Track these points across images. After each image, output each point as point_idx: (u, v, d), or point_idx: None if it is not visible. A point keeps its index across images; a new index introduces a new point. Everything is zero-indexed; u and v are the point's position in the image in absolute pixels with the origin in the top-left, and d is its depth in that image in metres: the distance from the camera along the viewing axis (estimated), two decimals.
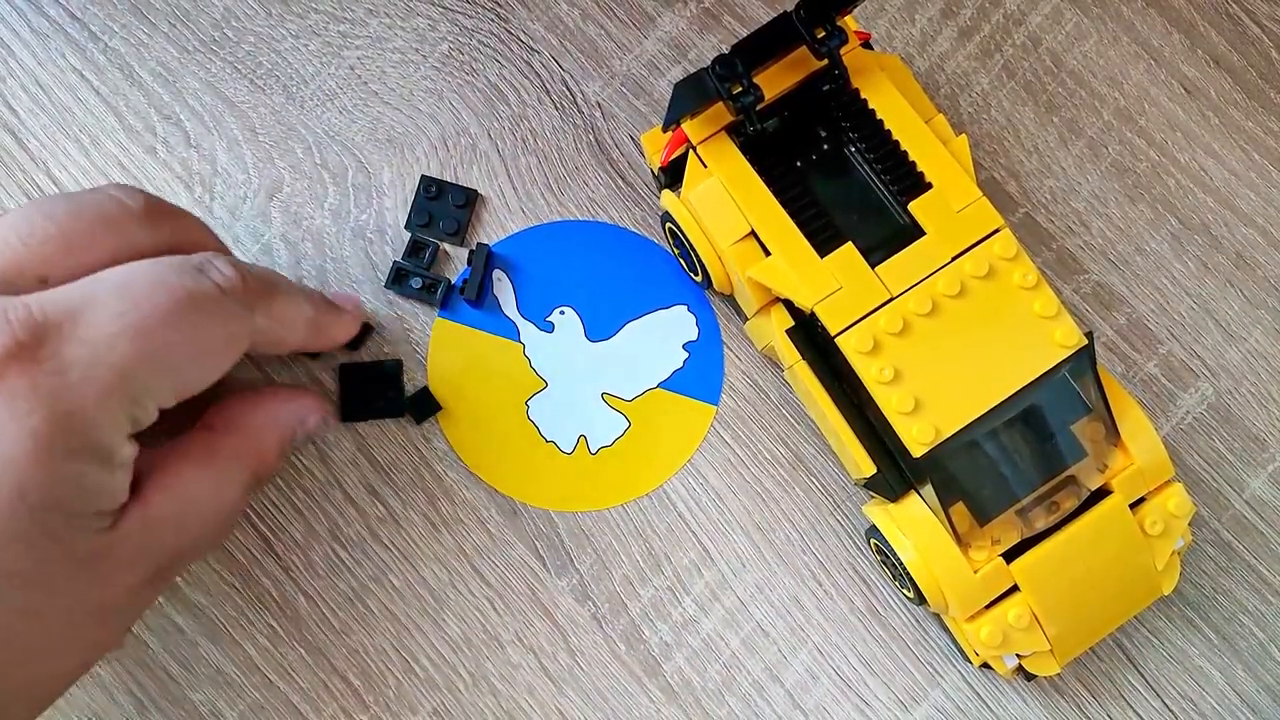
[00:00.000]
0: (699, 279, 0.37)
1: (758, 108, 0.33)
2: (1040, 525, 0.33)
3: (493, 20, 0.40)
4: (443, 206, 0.39)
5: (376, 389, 0.37)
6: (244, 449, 0.33)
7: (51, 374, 0.27)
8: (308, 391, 0.36)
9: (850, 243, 0.33)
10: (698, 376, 0.38)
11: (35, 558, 0.27)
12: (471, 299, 0.38)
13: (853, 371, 0.32)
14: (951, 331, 0.32)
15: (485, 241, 0.38)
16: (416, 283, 0.38)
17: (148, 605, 0.32)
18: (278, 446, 0.34)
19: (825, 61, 0.34)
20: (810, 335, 0.34)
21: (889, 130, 0.34)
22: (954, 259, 0.32)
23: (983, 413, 0.31)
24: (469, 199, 0.39)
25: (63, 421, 0.27)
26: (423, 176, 0.39)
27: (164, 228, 0.32)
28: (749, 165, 0.34)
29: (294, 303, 0.33)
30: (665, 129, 0.35)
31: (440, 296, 0.38)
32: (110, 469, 0.28)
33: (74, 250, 0.29)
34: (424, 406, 0.37)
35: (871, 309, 0.32)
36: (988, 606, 0.33)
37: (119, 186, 0.31)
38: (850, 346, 0.32)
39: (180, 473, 0.31)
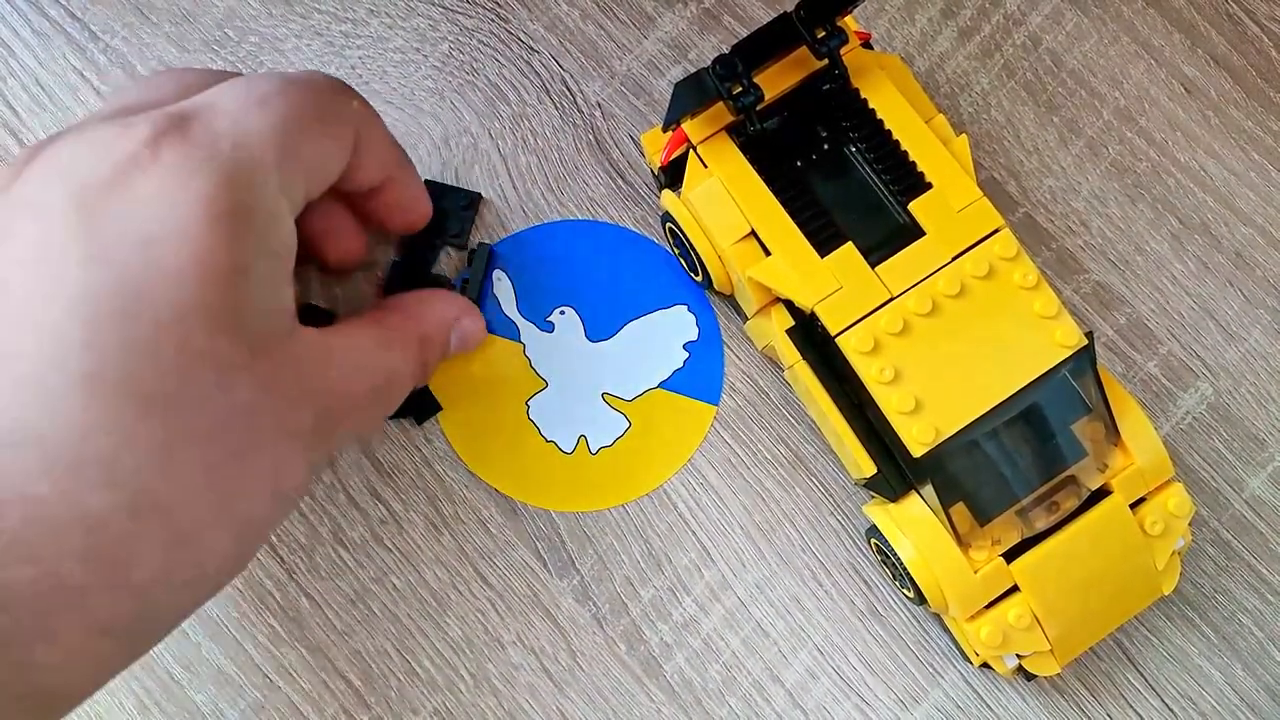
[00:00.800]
0: (699, 279, 0.37)
1: (758, 108, 0.33)
2: (1040, 525, 0.33)
3: (493, 20, 0.40)
4: (446, 209, 0.39)
5: None
6: (412, 328, 0.33)
7: (204, 144, 0.27)
8: (466, 299, 0.37)
9: (850, 243, 0.33)
10: (698, 376, 0.38)
11: (220, 340, 0.26)
12: (473, 299, 0.38)
13: (853, 371, 0.32)
14: (952, 331, 0.32)
15: (486, 241, 0.38)
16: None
17: (322, 459, 0.31)
18: (443, 333, 0.35)
19: (825, 61, 0.34)
20: (810, 335, 0.34)
21: (889, 130, 0.34)
22: (954, 259, 0.33)
23: (983, 413, 0.31)
24: (472, 201, 0.39)
25: (228, 183, 0.27)
26: (425, 180, 0.39)
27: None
28: (749, 165, 0.34)
29: (389, 144, 0.34)
30: (665, 129, 0.35)
31: None
32: (280, 250, 0.28)
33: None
34: (424, 407, 0.37)
35: (872, 309, 0.32)
36: (988, 606, 0.33)
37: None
38: (850, 346, 0.32)
39: (351, 331, 0.31)
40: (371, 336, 0.32)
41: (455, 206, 0.39)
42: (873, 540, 0.36)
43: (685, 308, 0.39)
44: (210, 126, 0.27)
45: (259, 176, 0.28)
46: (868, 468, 0.34)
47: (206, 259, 0.26)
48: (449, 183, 0.39)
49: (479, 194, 0.39)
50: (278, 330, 0.28)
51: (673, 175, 0.37)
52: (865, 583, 0.37)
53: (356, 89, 0.39)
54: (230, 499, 0.27)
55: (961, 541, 0.33)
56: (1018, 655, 0.34)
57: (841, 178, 0.35)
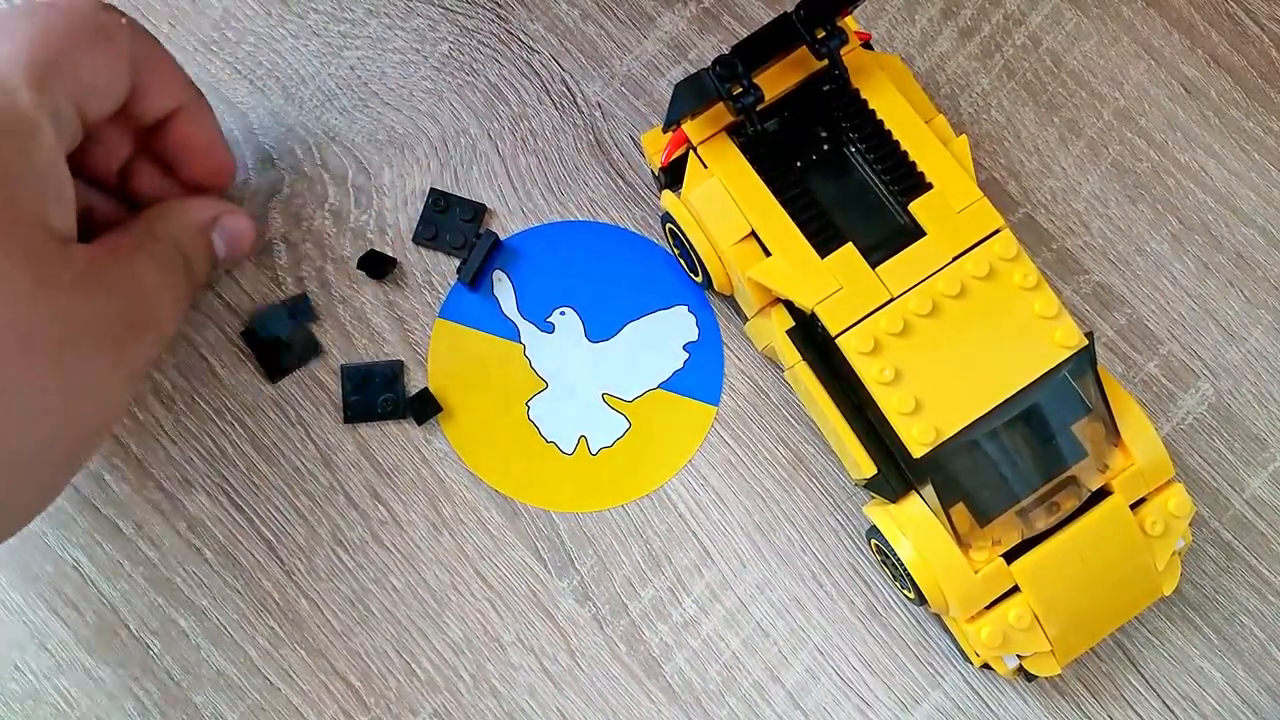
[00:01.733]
0: (699, 279, 0.37)
1: (758, 108, 0.33)
2: (1041, 526, 0.33)
3: (493, 20, 0.40)
4: (450, 220, 0.39)
5: (378, 391, 0.37)
6: (162, 232, 0.33)
7: None
8: (221, 201, 0.36)
9: (850, 243, 0.33)
10: (698, 377, 0.38)
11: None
12: (467, 282, 0.38)
13: (853, 372, 0.32)
14: (952, 332, 0.32)
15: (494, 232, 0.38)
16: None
17: (132, 373, 0.32)
18: (197, 239, 0.34)
19: (825, 62, 0.34)
20: (810, 336, 0.34)
21: (889, 130, 0.34)
22: (954, 259, 0.33)
23: (983, 413, 0.31)
24: (476, 213, 0.39)
25: None
26: (431, 189, 0.39)
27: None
28: (749, 166, 0.34)
29: (171, 69, 0.34)
30: (665, 129, 0.35)
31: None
32: (42, 165, 0.29)
33: None
34: (424, 407, 0.37)
35: (872, 309, 0.32)
36: (988, 607, 0.33)
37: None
38: (851, 347, 0.32)
39: (117, 244, 0.32)
40: (126, 238, 0.32)
41: (459, 218, 0.39)
42: (873, 541, 0.36)
43: (685, 308, 0.39)
44: None
45: (7, 95, 0.29)
46: (868, 468, 0.34)
47: None
48: (450, 188, 0.39)
49: (484, 205, 0.39)
50: (59, 238, 0.29)
51: (673, 176, 0.37)
52: (865, 583, 0.37)
53: (356, 90, 0.40)
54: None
55: (962, 542, 0.33)
56: (1018, 656, 0.34)
57: (841, 178, 0.35)
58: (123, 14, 0.33)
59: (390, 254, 0.39)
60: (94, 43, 0.31)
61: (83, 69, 0.31)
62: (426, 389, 0.37)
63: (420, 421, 0.37)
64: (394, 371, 0.38)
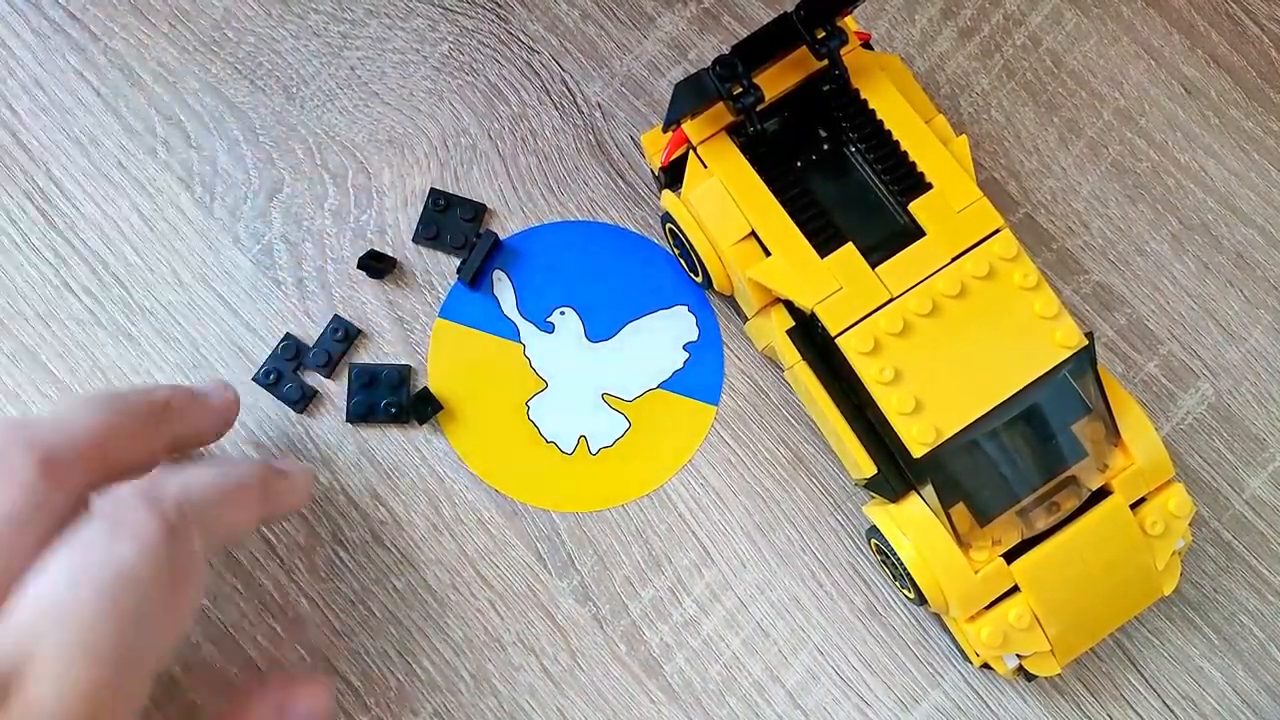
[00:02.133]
0: (699, 279, 0.37)
1: (758, 108, 0.33)
2: (1041, 525, 0.33)
3: (493, 20, 0.40)
4: (450, 220, 0.39)
5: (383, 393, 0.37)
6: None
7: None
8: (309, 679, 0.33)
9: (850, 243, 0.33)
10: (698, 376, 0.38)
11: None
12: (467, 281, 0.38)
13: (853, 372, 0.32)
14: (952, 332, 0.32)
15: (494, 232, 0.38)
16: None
17: None
18: None
19: (825, 62, 0.34)
20: (810, 335, 0.34)
21: (889, 130, 0.34)
22: (954, 259, 0.33)
23: (983, 413, 0.31)
24: (477, 213, 0.39)
25: None
26: (431, 189, 0.39)
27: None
28: (749, 165, 0.34)
29: (234, 503, 0.31)
30: (665, 129, 0.35)
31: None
32: (194, 607, 0.28)
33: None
34: (425, 406, 0.37)
35: (872, 309, 0.32)
36: (988, 607, 0.33)
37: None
38: (851, 347, 0.32)
39: None
40: None
41: (459, 218, 0.39)
42: (873, 540, 0.36)
43: (685, 308, 0.39)
44: (27, 700, 0.25)
45: (187, 541, 0.28)
46: (868, 468, 0.34)
47: None
48: (450, 188, 0.39)
49: (484, 205, 0.39)
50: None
51: (673, 175, 0.37)
52: (865, 583, 0.37)
53: (356, 90, 0.40)
54: None
55: (961, 542, 0.33)
56: (1018, 655, 0.34)
57: (841, 178, 0.35)
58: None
59: (390, 254, 0.39)
60: (252, 501, 0.32)
61: (235, 523, 0.31)
62: (427, 388, 0.37)
63: (421, 421, 0.37)
64: (401, 375, 0.38)
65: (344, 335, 0.38)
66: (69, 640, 0.26)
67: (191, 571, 0.29)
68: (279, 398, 0.38)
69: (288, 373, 0.38)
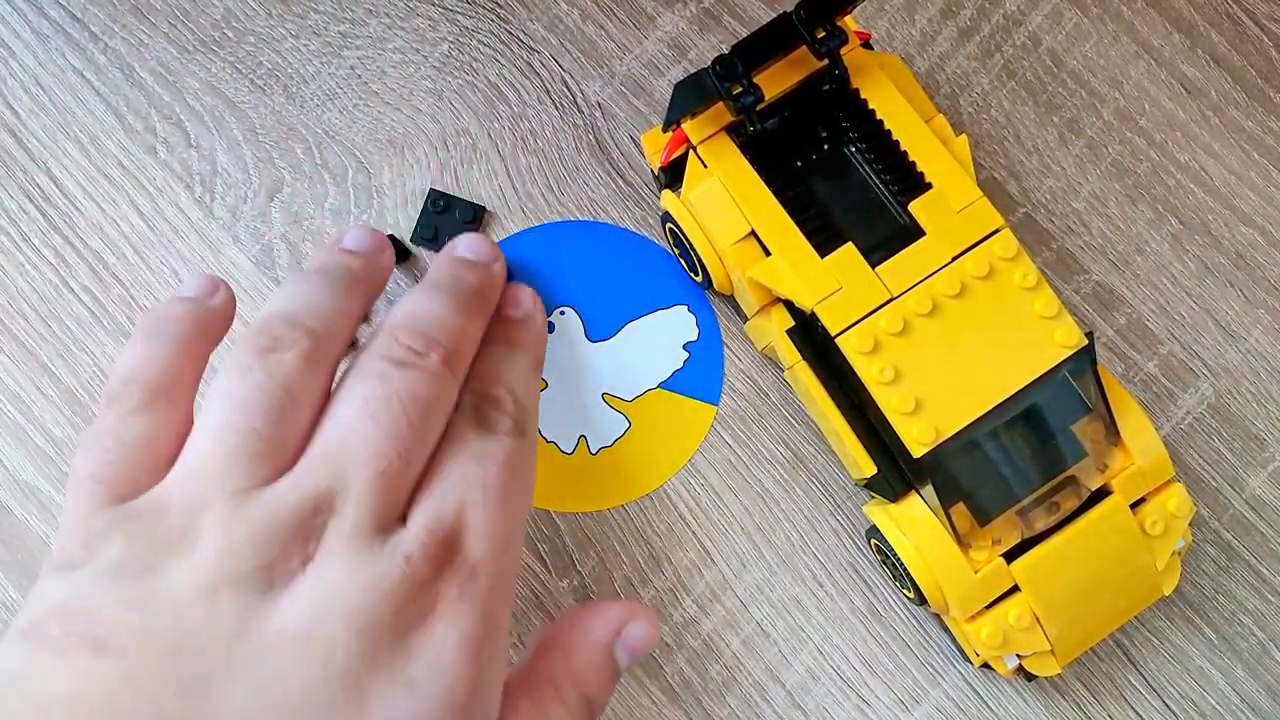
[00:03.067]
0: (699, 279, 0.37)
1: (758, 108, 0.33)
2: (1041, 525, 0.33)
3: (493, 20, 0.40)
4: (449, 221, 0.39)
5: None
6: (562, 672, 0.31)
7: (469, 580, 0.28)
8: (630, 603, 0.33)
9: (850, 243, 0.33)
10: (698, 376, 0.38)
11: None
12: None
13: (853, 371, 0.32)
14: (952, 331, 0.32)
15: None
16: None
17: None
18: (596, 666, 0.32)
19: (825, 62, 0.34)
20: (810, 335, 0.34)
21: (889, 130, 0.34)
22: (954, 259, 0.33)
23: (983, 413, 0.31)
24: (476, 214, 0.39)
25: (484, 617, 0.28)
26: (430, 190, 0.39)
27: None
28: (749, 165, 0.34)
29: (535, 378, 0.35)
30: (665, 129, 0.35)
31: None
32: (503, 656, 0.29)
33: (426, 442, 0.30)
34: None
35: (872, 309, 0.32)
36: (988, 607, 0.33)
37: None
38: (850, 347, 0.32)
39: (515, 705, 0.30)
40: (527, 701, 0.31)
41: (459, 220, 0.39)
42: (873, 540, 0.36)
43: (685, 308, 0.39)
44: (470, 557, 0.28)
45: (504, 601, 0.29)
46: (868, 468, 0.34)
47: (459, 695, 0.27)
48: (450, 188, 0.39)
49: (483, 207, 0.39)
50: None
51: (673, 175, 0.37)
52: (865, 583, 0.37)
53: (356, 90, 0.40)
54: None
55: (961, 541, 0.33)
56: (1018, 655, 0.34)
57: (841, 178, 0.35)
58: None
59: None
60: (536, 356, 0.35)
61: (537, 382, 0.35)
62: None
63: None
64: None
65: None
66: (487, 503, 0.29)
67: (532, 459, 0.33)
68: None
69: None
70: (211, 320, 0.32)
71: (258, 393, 0.29)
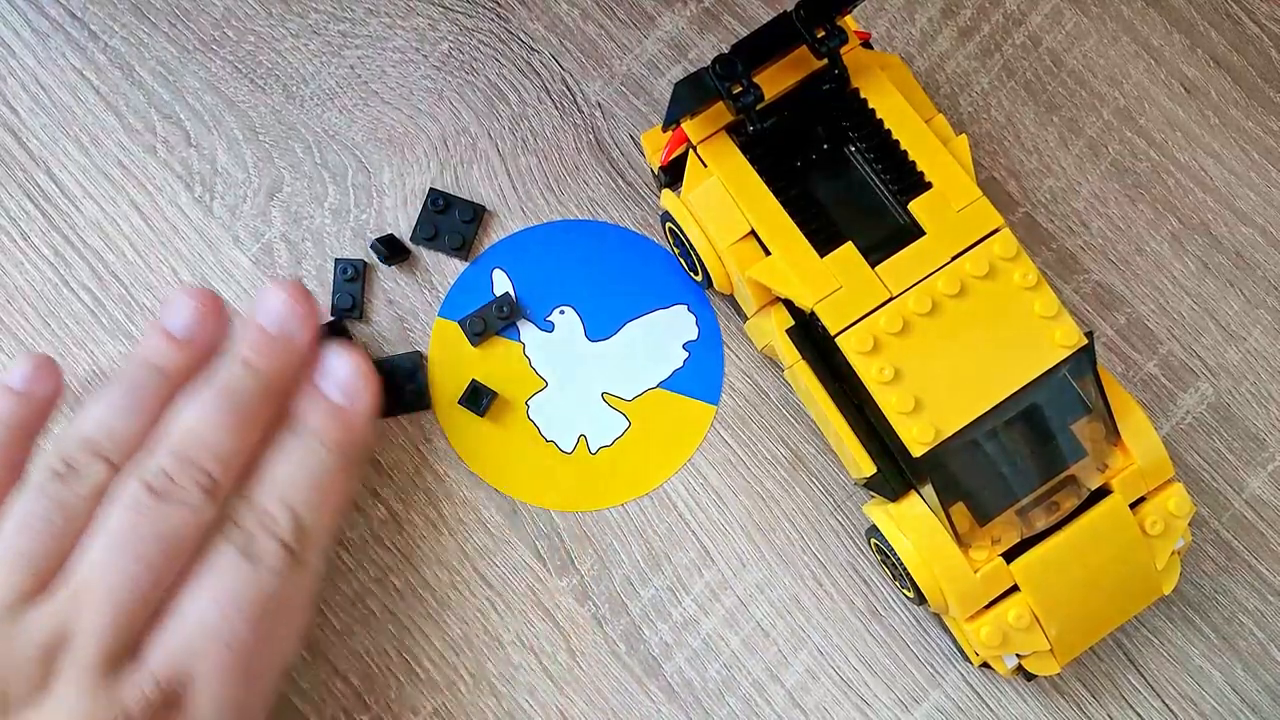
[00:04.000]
0: (699, 279, 0.37)
1: (758, 107, 0.33)
2: (1040, 525, 0.33)
3: (493, 20, 0.40)
4: (449, 220, 0.39)
5: (398, 384, 0.37)
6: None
7: None
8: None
9: (850, 242, 0.33)
10: (698, 376, 0.38)
11: None
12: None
13: (853, 371, 0.32)
14: (952, 331, 0.32)
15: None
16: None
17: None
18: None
19: (825, 61, 0.34)
20: (810, 335, 0.34)
21: (889, 130, 0.34)
22: (954, 259, 0.32)
23: (983, 412, 0.31)
24: (476, 214, 0.39)
25: None
26: (430, 189, 0.39)
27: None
28: (749, 165, 0.34)
29: (332, 486, 0.34)
30: (665, 129, 0.35)
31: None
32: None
33: (171, 572, 0.31)
34: (479, 399, 0.37)
35: (871, 309, 0.32)
36: (988, 606, 0.33)
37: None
38: (850, 346, 0.32)
39: None
40: None
41: (459, 219, 0.39)
42: (873, 540, 0.36)
43: (685, 308, 0.39)
44: (192, 715, 0.30)
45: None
46: (868, 468, 0.34)
47: None
48: (450, 188, 0.39)
49: (483, 206, 0.39)
50: None
51: (673, 175, 0.37)
52: (865, 583, 0.37)
53: (356, 89, 0.40)
54: None
55: (961, 541, 0.33)
56: (1018, 655, 0.34)
57: (841, 177, 0.35)
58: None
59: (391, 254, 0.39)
60: (347, 478, 0.34)
61: (340, 509, 0.35)
62: (475, 380, 0.37)
63: (481, 414, 0.37)
64: (414, 363, 0.38)
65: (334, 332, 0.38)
66: (223, 664, 0.30)
67: (310, 586, 0.33)
68: None
69: None
70: (32, 418, 0.34)
71: (39, 521, 0.31)
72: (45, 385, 0.35)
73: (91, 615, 0.30)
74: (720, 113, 0.34)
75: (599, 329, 0.38)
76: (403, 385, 0.37)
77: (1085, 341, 0.32)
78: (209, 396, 0.33)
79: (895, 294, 0.32)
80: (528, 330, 0.38)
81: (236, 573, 0.31)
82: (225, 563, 0.31)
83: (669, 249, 0.39)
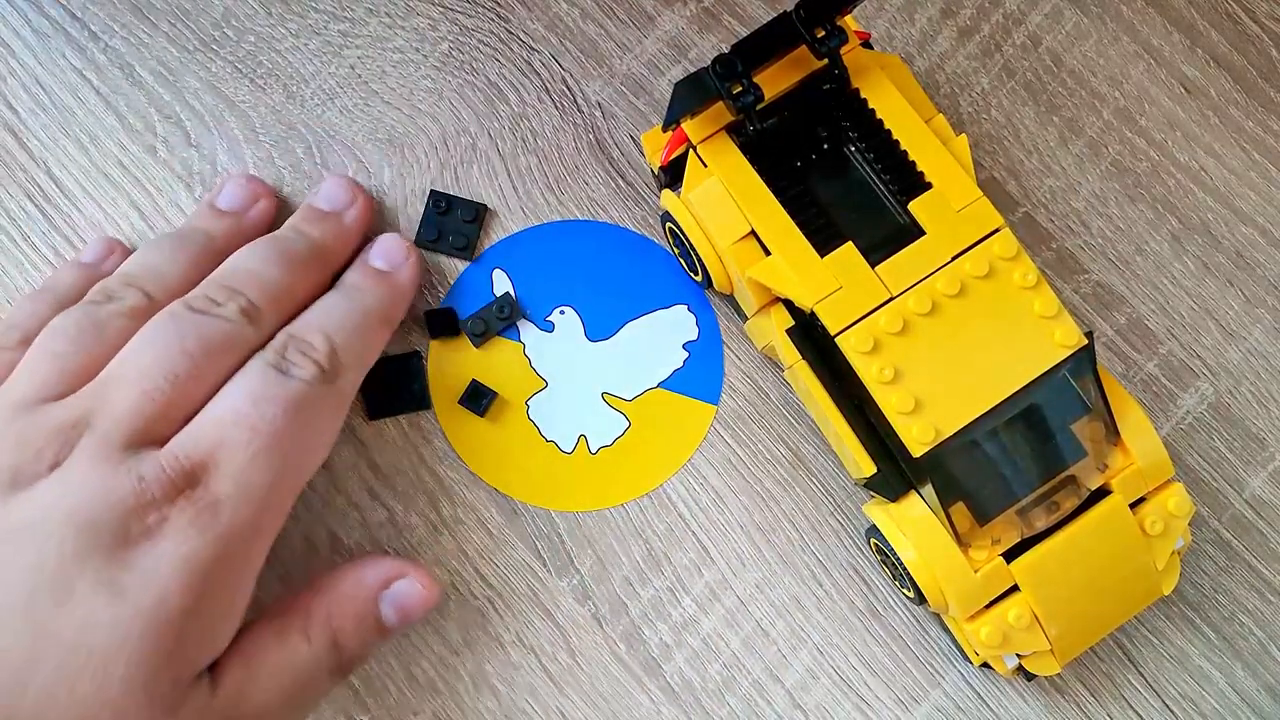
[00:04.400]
0: (699, 279, 0.37)
1: (758, 107, 0.33)
2: (1040, 525, 0.33)
3: (493, 20, 0.40)
4: (452, 221, 0.39)
5: (399, 383, 0.37)
6: (318, 607, 0.32)
7: (206, 509, 0.29)
8: (407, 561, 0.34)
9: (850, 242, 0.33)
10: (698, 376, 0.38)
11: (146, 699, 0.28)
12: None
13: (853, 371, 0.32)
14: (952, 331, 0.32)
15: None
16: None
17: None
18: (363, 606, 0.33)
19: (825, 61, 0.34)
20: (810, 335, 0.34)
21: (889, 130, 0.34)
22: (954, 258, 0.32)
23: (983, 412, 0.31)
24: (478, 214, 0.39)
25: (219, 553, 0.29)
26: (432, 191, 0.39)
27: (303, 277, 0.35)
28: (749, 165, 0.34)
29: (369, 329, 0.35)
30: (665, 129, 0.35)
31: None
32: (238, 601, 0.30)
33: (205, 379, 0.31)
34: (480, 399, 0.37)
35: (871, 309, 0.32)
36: (988, 606, 0.33)
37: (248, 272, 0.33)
38: (850, 346, 0.32)
39: (256, 633, 0.32)
40: (271, 630, 0.32)
41: (461, 219, 0.39)
42: (873, 540, 0.36)
43: (685, 308, 0.39)
44: (214, 491, 0.29)
45: (252, 541, 0.30)
46: (868, 468, 0.34)
47: (167, 613, 0.28)
48: (450, 188, 0.39)
49: (485, 205, 0.39)
50: (197, 683, 0.30)
51: (673, 175, 0.37)
52: (865, 583, 0.37)
53: (356, 89, 0.40)
54: None
55: (961, 541, 0.33)
56: (1018, 655, 0.34)
57: (841, 177, 0.35)
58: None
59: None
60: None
61: (374, 349, 0.35)
62: (476, 380, 0.37)
63: (481, 414, 0.37)
64: (414, 363, 0.38)
65: None
66: (250, 444, 0.30)
67: (339, 408, 0.33)
68: None
69: None
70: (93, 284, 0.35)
71: (72, 327, 0.31)
72: (111, 263, 0.36)
73: (118, 398, 0.30)
74: (720, 113, 0.34)
75: (599, 329, 0.38)
76: (403, 385, 0.38)
77: (1085, 341, 0.32)
78: (259, 244, 0.34)
79: (895, 294, 0.32)
80: (528, 330, 0.38)
81: (266, 376, 0.31)
82: (256, 369, 0.31)
83: (669, 249, 0.39)
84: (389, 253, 0.37)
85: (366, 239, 0.37)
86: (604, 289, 0.39)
